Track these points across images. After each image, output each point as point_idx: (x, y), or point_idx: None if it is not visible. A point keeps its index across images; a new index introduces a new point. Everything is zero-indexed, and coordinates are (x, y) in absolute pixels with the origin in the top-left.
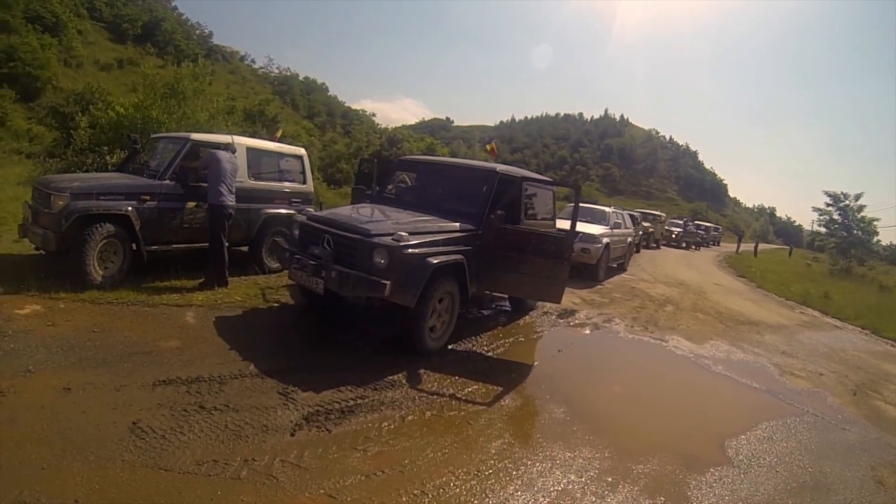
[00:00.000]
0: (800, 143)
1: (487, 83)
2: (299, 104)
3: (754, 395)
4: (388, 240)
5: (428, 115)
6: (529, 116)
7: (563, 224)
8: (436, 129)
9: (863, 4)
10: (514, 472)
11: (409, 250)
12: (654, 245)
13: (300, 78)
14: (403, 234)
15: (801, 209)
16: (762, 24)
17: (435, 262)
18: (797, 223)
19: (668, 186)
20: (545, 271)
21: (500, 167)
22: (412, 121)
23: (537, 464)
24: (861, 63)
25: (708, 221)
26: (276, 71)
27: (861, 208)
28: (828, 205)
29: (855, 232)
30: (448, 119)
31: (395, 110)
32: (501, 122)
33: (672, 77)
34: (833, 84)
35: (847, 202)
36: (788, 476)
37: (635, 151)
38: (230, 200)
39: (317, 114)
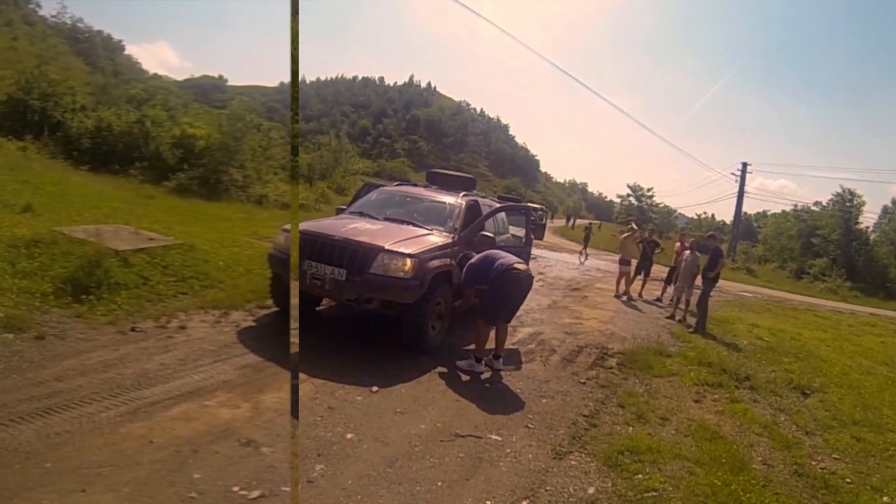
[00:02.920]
0: (610, 114)
1: (258, 32)
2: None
3: None
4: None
5: (194, 70)
6: (323, 78)
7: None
8: (208, 90)
9: None
10: None
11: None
12: None
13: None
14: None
15: (614, 185)
16: None
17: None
18: (608, 199)
19: (480, 162)
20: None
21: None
22: (172, 75)
23: None
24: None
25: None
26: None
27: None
28: (628, 195)
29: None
30: (221, 77)
31: (149, 57)
32: (283, 84)
33: (480, 43)
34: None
35: (642, 192)
36: None
37: (444, 124)
38: None
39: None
